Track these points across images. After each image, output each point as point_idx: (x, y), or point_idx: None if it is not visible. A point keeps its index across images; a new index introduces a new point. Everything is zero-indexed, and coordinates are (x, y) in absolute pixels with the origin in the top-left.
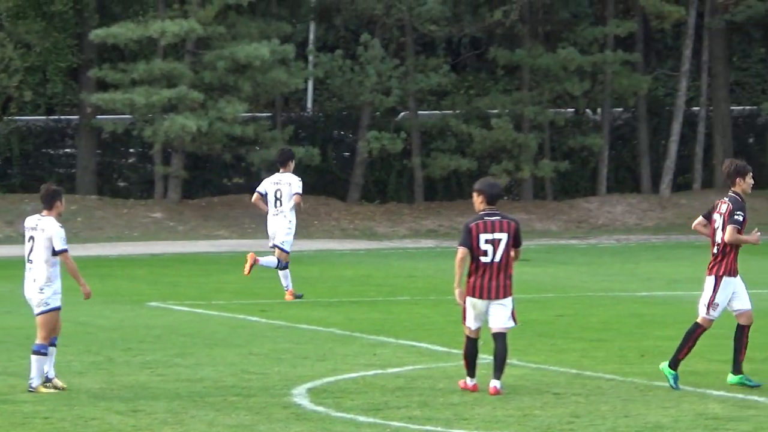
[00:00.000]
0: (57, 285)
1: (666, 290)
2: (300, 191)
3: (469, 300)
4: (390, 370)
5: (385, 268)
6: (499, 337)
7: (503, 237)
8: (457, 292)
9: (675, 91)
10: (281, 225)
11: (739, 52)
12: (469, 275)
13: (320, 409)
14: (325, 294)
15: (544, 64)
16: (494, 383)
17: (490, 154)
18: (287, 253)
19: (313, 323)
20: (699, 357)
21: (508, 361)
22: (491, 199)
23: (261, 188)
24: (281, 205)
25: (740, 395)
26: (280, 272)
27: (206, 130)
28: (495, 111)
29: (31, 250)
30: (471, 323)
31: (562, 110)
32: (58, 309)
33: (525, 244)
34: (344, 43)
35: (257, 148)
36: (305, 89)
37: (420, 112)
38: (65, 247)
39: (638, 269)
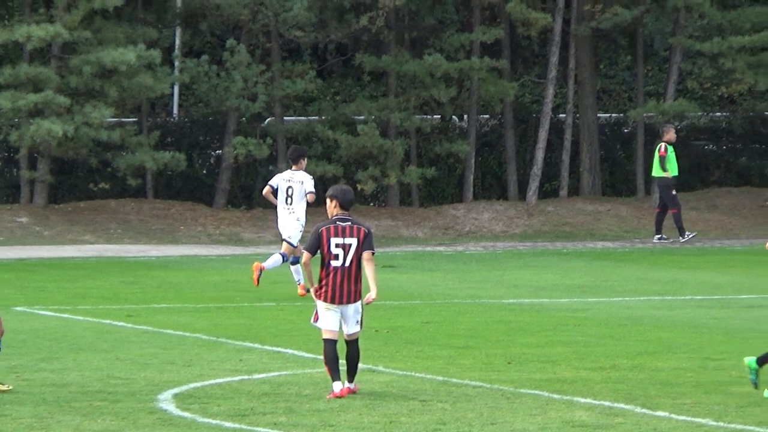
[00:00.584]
0: None
1: (532, 297)
2: (313, 190)
3: (321, 304)
4: (256, 376)
5: (251, 274)
6: (352, 343)
7: (353, 242)
8: (313, 288)
9: (542, 98)
10: (291, 223)
11: (606, 59)
12: (320, 280)
13: (186, 414)
14: (191, 299)
15: (410, 70)
16: (347, 385)
17: (356, 160)
18: (294, 247)
19: (179, 329)
20: (566, 364)
21: (373, 367)
22: (344, 205)
23: (273, 182)
24: (292, 203)
25: (607, 403)
26: (292, 267)
27: (72, 134)
28: (361, 117)
29: None
30: (327, 325)
31: (429, 117)
32: None
33: (392, 250)
34: (210, 48)
35: (123, 153)
36: (171, 94)
37: (286, 117)
38: None
39: (505, 276)
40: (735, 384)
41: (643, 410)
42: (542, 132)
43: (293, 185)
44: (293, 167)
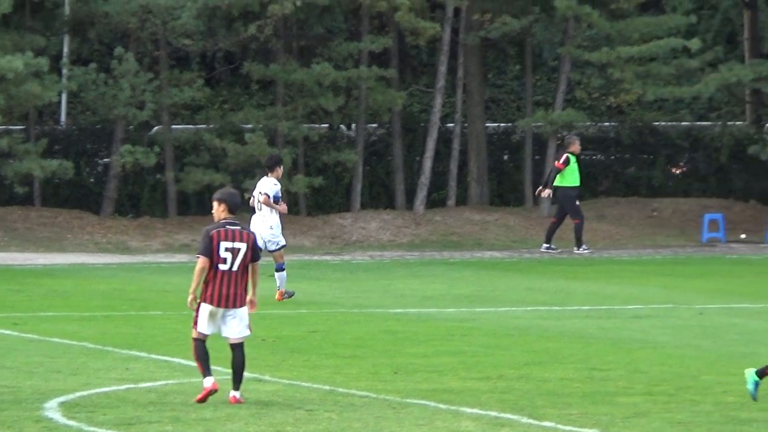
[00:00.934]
0: None
1: (419, 307)
2: (270, 193)
3: (206, 307)
4: (142, 385)
5: (138, 282)
6: (237, 348)
7: (242, 247)
8: (190, 297)
9: (430, 108)
10: (262, 227)
11: (495, 69)
12: (206, 283)
13: (72, 423)
14: (78, 308)
15: (298, 79)
16: (234, 393)
17: (243, 169)
18: (278, 250)
19: (65, 337)
20: (452, 375)
21: (259, 376)
22: (232, 209)
23: (254, 192)
24: (261, 209)
25: (494, 413)
26: (276, 273)
27: None
28: (249, 126)
29: None
30: (204, 329)
31: (317, 125)
32: None
33: None
34: (98, 56)
35: (10, 160)
36: (59, 102)
37: (174, 126)
38: None
39: (392, 285)
40: (621, 394)
41: (530, 420)
42: (430, 141)
43: (259, 191)
44: (269, 174)
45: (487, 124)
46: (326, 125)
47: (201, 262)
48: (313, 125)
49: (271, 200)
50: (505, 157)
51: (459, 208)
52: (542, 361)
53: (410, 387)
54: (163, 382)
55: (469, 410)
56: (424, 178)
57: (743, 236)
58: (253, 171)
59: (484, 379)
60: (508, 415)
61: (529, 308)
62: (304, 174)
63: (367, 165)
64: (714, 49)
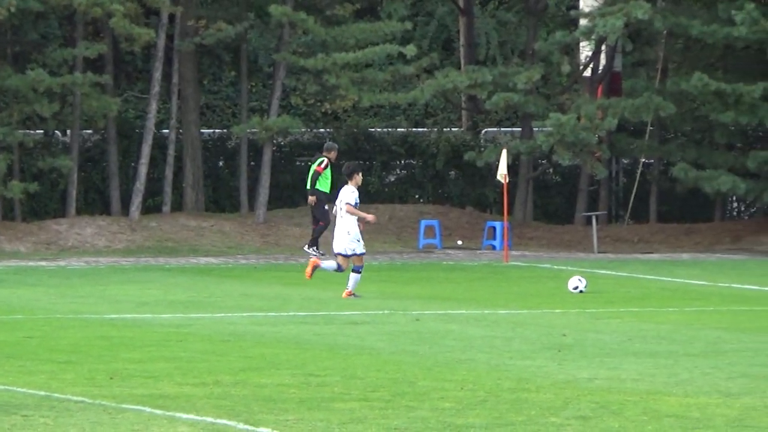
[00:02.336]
0: None
1: (135, 313)
2: (351, 201)
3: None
4: None
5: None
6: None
7: None
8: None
9: (145, 114)
10: (341, 233)
11: (210, 75)
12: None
13: None
14: None
15: (12, 85)
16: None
17: None
18: (356, 256)
19: None
20: (168, 380)
21: None
22: None
23: (336, 202)
24: (343, 216)
25: (210, 418)
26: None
27: None
28: None
29: None
30: None
31: (32, 132)
32: None
33: None
34: None
35: None
36: None
37: None
38: None
39: (107, 291)
40: (338, 400)
41: (246, 426)
42: (145, 147)
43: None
44: (348, 183)
45: (203, 130)
46: (41, 131)
47: None
48: (28, 131)
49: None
50: (221, 163)
51: (174, 214)
52: (258, 366)
53: (126, 392)
54: None
55: (185, 416)
56: (140, 184)
57: (459, 243)
58: None
59: (200, 385)
60: (224, 421)
61: (245, 314)
62: (19, 180)
63: (83, 171)
64: (430, 55)
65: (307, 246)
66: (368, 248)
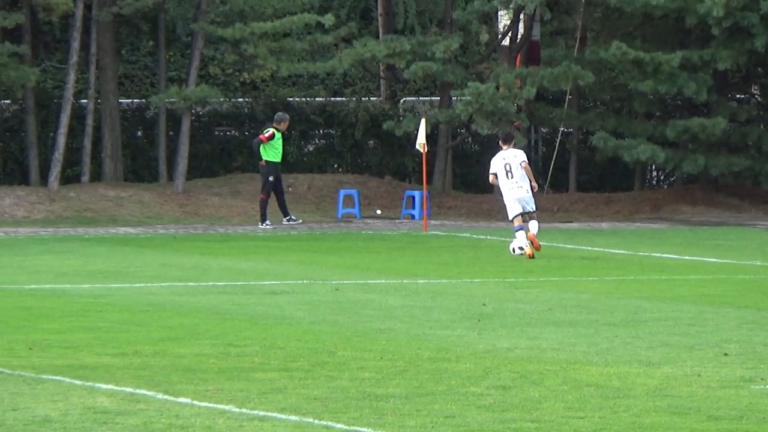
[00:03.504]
0: None
1: (54, 283)
2: (525, 159)
3: None
4: None
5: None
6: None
7: None
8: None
9: (63, 84)
10: (525, 195)
11: (128, 45)
12: None
13: None
14: None
15: None
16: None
17: None
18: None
19: None
20: (88, 350)
21: None
22: None
23: (492, 169)
24: (513, 177)
25: (129, 389)
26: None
27: None
28: None
29: None
30: None
31: None
32: None
33: None
34: None
35: None
36: None
37: None
38: None
39: (26, 262)
40: (257, 370)
41: (165, 396)
42: (64, 117)
43: (510, 161)
44: (504, 147)
45: (121, 100)
46: None
47: None
48: None
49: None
50: (139, 133)
51: (93, 184)
52: (178, 336)
53: (45, 363)
54: None
55: (104, 386)
56: (58, 155)
57: (378, 212)
58: None
59: (119, 355)
60: (144, 391)
61: (164, 284)
62: None
63: (1, 141)
64: (348, 24)
65: (262, 222)
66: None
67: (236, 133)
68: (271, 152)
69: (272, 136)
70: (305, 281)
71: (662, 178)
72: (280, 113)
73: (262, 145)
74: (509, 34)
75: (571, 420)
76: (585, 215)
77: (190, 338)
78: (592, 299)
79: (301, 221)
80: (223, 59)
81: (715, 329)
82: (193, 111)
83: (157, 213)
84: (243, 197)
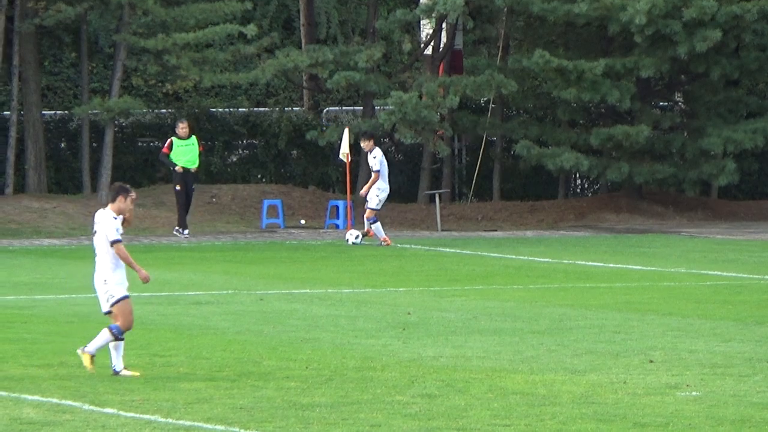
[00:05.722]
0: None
1: None
2: (375, 168)
3: None
4: None
5: None
6: None
7: None
8: None
9: None
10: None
11: (51, 56)
12: None
13: None
14: None
15: None
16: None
17: None
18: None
19: None
20: (13, 362)
21: None
22: None
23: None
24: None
25: (55, 400)
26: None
27: None
28: None
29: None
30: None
31: None
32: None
33: None
34: None
35: None
36: None
37: None
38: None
39: None
40: (183, 380)
41: (92, 407)
42: None
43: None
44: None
45: (44, 112)
46: None
47: None
48: None
49: None
50: (63, 144)
51: (17, 196)
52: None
53: None
54: None
55: (30, 397)
56: None
57: (302, 222)
58: None
59: (45, 366)
60: (70, 402)
61: (89, 295)
62: None
63: None
64: (271, 35)
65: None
66: (211, 229)
67: (159, 144)
68: (177, 159)
69: (170, 144)
70: (230, 291)
71: (586, 186)
72: (183, 120)
73: (169, 156)
74: (432, 43)
75: (497, 428)
76: (509, 224)
77: None
78: (516, 307)
79: (187, 234)
80: (145, 70)
81: (640, 336)
82: (116, 122)
83: (81, 224)
84: (167, 208)
